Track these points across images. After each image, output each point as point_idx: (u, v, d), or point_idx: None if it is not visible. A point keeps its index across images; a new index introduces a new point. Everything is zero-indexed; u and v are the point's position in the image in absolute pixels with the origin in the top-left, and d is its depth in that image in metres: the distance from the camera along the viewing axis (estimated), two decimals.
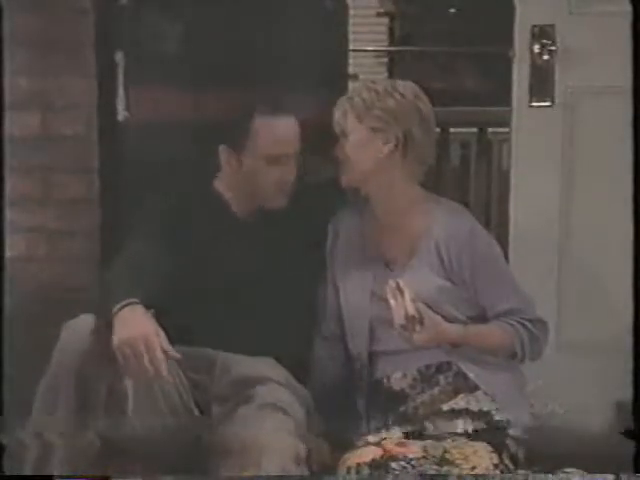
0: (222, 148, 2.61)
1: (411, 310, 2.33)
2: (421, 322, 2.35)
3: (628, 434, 2.39)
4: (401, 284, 2.35)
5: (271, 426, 2.36)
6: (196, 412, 2.48)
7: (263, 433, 2.34)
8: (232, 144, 2.59)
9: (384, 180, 2.51)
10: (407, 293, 2.34)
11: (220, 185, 2.67)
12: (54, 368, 2.35)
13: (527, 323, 2.48)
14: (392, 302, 2.36)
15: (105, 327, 2.29)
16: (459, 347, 2.45)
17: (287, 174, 2.59)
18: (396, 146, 2.48)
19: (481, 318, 2.49)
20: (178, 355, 2.28)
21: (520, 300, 2.50)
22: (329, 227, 2.64)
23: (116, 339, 2.25)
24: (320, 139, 2.61)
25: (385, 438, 2.35)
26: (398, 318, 2.35)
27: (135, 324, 2.27)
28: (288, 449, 2.33)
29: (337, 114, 2.53)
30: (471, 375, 2.45)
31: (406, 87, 2.51)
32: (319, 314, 2.62)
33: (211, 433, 2.41)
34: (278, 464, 2.29)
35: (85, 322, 2.37)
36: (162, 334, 2.27)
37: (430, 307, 2.39)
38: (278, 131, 2.57)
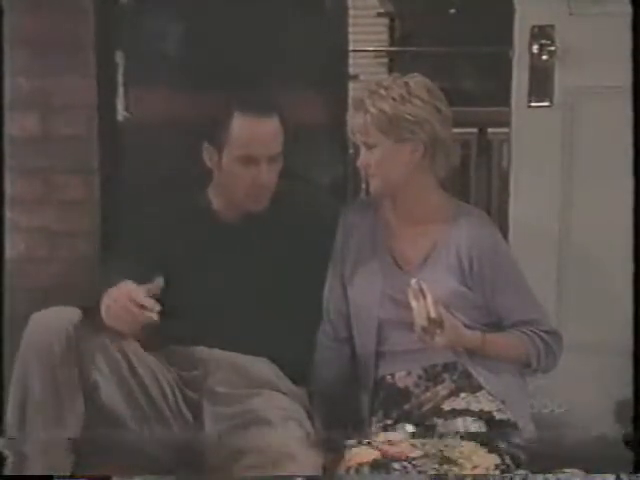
0: (205, 146, 2.57)
1: (433, 313, 2.31)
2: (441, 325, 2.32)
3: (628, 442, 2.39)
4: (423, 286, 2.32)
5: (288, 437, 2.37)
6: (184, 409, 2.48)
7: (282, 444, 2.34)
8: (214, 142, 2.55)
9: (413, 185, 2.49)
10: (429, 295, 2.31)
11: (209, 190, 2.64)
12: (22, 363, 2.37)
13: (543, 334, 2.48)
14: (413, 304, 2.32)
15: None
16: (474, 353, 2.44)
17: (263, 176, 2.51)
18: (425, 152, 2.45)
19: (492, 326, 2.49)
20: (157, 308, 2.33)
21: (537, 311, 2.51)
22: (339, 227, 2.60)
23: (104, 305, 2.37)
24: (316, 140, 2.61)
25: (386, 437, 2.34)
26: (420, 320, 2.32)
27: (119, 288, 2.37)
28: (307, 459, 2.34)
29: (355, 125, 2.47)
30: (476, 375, 2.44)
31: (418, 85, 2.46)
32: (323, 314, 2.60)
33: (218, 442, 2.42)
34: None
35: (55, 315, 2.41)
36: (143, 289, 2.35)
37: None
38: (254, 130, 2.50)
